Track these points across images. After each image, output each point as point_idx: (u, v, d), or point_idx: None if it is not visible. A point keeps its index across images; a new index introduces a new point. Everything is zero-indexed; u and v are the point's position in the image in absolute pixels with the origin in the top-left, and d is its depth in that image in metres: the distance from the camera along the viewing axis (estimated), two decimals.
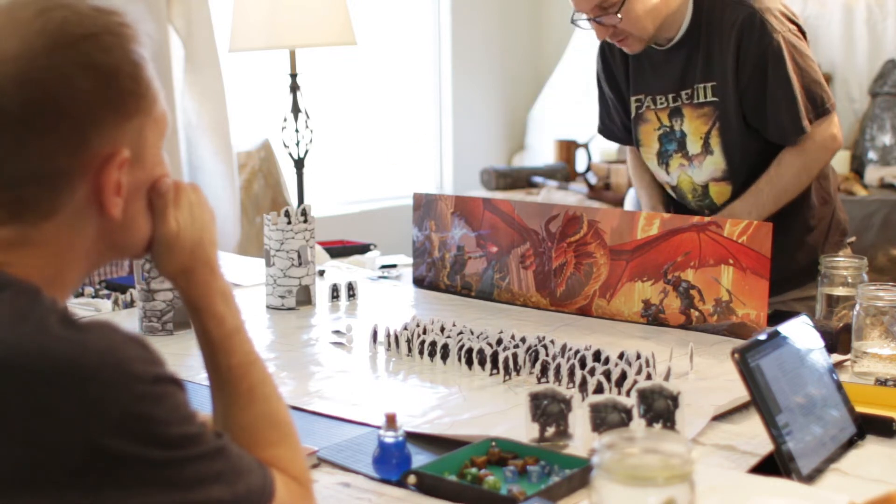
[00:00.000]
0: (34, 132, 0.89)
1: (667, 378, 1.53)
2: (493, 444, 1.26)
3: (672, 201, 2.23)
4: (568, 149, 5.30)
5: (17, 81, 0.88)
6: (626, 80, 2.16)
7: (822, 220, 2.10)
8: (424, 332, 1.75)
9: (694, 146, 2.06)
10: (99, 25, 0.92)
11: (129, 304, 2.12)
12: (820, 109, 1.98)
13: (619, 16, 1.93)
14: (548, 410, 1.29)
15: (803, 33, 2.02)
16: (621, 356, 1.59)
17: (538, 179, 5.09)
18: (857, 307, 1.59)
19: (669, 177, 2.15)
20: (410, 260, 2.41)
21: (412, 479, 1.18)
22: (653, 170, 2.21)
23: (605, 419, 1.26)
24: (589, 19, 1.98)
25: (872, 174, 4.63)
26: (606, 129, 2.32)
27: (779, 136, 2.00)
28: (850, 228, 2.20)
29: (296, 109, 3.42)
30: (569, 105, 5.28)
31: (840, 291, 1.76)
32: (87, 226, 0.94)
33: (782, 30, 1.95)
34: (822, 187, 2.10)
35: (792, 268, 2.01)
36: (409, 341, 1.74)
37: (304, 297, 2.14)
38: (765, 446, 1.24)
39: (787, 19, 1.98)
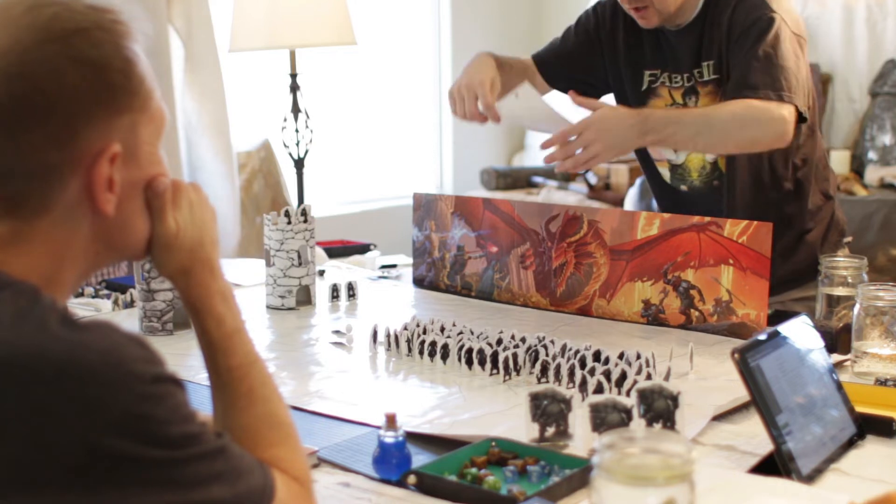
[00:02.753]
0: (23, 126, 0.89)
1: (667, 378, 1.53)
2: (493, 444, 1.26)
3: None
4: None
5: (7, 75, 0.88)
6: (625, 51, 2.12)
7: (821, 221, 2.09)
8: (424, 332, 1.75)
9: None
10: (90, 21, 0.92)
11: (129, 304, 2.12)
12: (779, 93, 1.86)
13: None
14: (548, 410, 1.29)
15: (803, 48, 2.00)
16: (621, 356, 1.59)
17: (538, 179, 5.09)
18: (857, 307, 1.59)
19: (676, 155, 2.12)
20: (410, 260, 2.41)
21: (412, 479, 1.18)
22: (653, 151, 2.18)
23: (605, 419, 1.26)
24: None
25: (872, 174, 4.64)
26: (548, 64, 2.24)
27: (732, 86, 1.91)
28: (848, 228, 2.19)
29: (296, 109, 3.42)
30: (569, 105, 5.26)
31: (840, 291, 1.76)
32: (82, 223, 0.94)
33: (784, 16, 1.91)
34: (821, 188, 2.10)
35: (792, 268, 2.00)
36: (409, 341, 1.74)
37: (304, 297, 2.14)
38: (765, 446, 1.24)
39: (797, 27, 1.96)
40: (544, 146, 1.89)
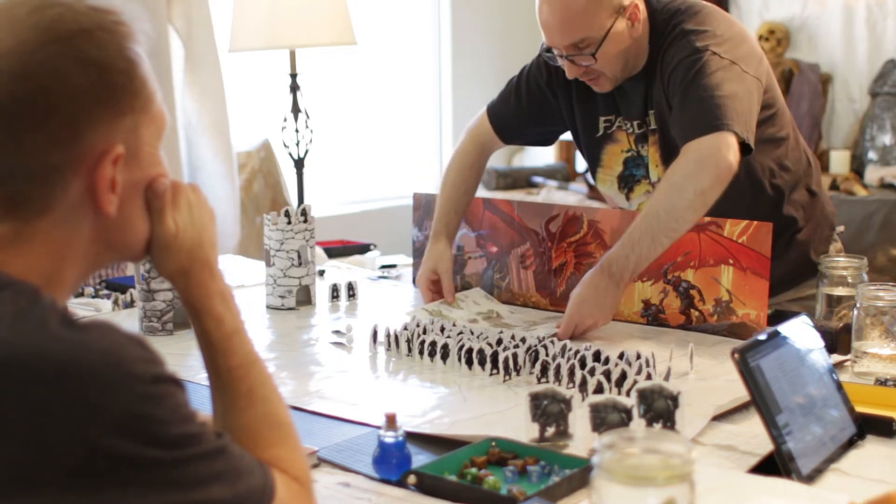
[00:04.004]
0: (27, 126, 0.89)
1: (667, 378, 1.53)
2: (493, 444, 1.26)
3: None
4: (568, 149, 5.30)
5: (11, 75, 0.89)
6: (578, 99, 2.08)
7: (810, 218, 2.05)
8: (424, 332, 1.75)
9: (653, 173, 2.02)
10: (93, 22, 0.92)
11: (129, 304, 2.12)
12: (711, 124, 1.76)
13: (594, 57, 1.88)
14: (548, 410, 1.29)
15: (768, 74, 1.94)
16: (621, 356, 1.59)
17: (538, 179, 5.09)
18: (857, 307, 1.59)
19: (629, 203, 2.09)
20: (410, 260, 2.41)
21: (412, 479, 1.18)
22: (607, 193, 2.15)
23: (605, 419, 1.26)
24: (561, 56, 1.92)
25: (872, 174, 4.63)
26: (506, 129, 2.20)
27: (675, 134, 1.87)
28: (837, 219, 2.13)
29: (296, 109, 3.42)
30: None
31: (840, 291, 1.76)
32: (83, 224, 0.94)
33: (714, 48, 1.84)
34: (805, 184, 2.05)
35: (785, 269, 1.95)
36: (409, 341, 1.74)
37: (304, 297, 2.14)
38: (765, 446, 1.24)
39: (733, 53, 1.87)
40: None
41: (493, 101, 2.23)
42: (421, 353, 1.71)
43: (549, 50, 1.97)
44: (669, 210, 1.75)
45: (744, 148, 1.79)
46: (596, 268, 1.80)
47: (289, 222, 2.10)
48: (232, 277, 2.41)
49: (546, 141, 2.29)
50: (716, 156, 1.74)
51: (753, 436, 1.32)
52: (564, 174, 5.19)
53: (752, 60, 1.89)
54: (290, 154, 3.46)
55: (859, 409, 1.35)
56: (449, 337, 1.72)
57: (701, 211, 1.77)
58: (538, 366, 1.59)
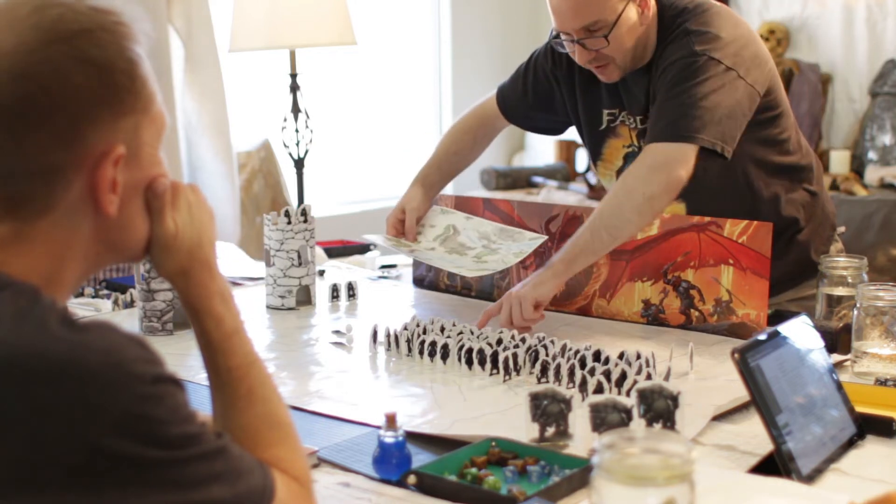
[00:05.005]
0: (28, 126, 0.89)
1: (667, 378, 1.53)
2: (493, 444, 1.26)
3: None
4: (568, 149, 5.30)
5: (12, 75, 0.89)
6: (582, 91, 2.08)
7: (811, 219, 2.04)
8: (424, 332, 1.75)
9: None
10: (94, 22, 0.92)
11: (129, 304, 2.12)
12: (679, 134, 1.79)
13: (606, 40, 1.87)
14: (548, 410, 1.29)
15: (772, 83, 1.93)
16: (621, 356, 1.59)
17: (538, 179, 5.10)
18: (857, 307, 1.59)
19: None
20: (410, 260, 2.41)
21: (412, 479, 1.18)
22: (607, 186, 2.15)
23: (605, 419, 1.26)
24: (572, 40, 1.91)
25: (872, 174, 4.63)
26: (511, 110, 2.22)
27: (648, 133, 1.87)
28: (838, 219, 2.13)
29: (296, 109, 3.42)
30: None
31: (840, 291, 1.76)
32: (84, 224, 0.94)
33: (713, 53, 1.83)
34: (805, 185, 2.05)
35: (785, 269, 1.95)
36: (409, 341, 1.74)
37: (304, 297, 2.14)
38: (765, 446, 1.24)
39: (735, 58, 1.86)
40: (480, 326, 1.83)
41: (504, 82, 2.26)
42: (421, 353, 1.72)
43: (557, 36, 1.97)
44: (615, 209, 1.81)
45: (721, 157, 1.81)
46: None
47: (289, 222, 2.10)
48: (231, 269, 2.42)
49: (553, 130, 2.29)
50: (670, 165, 1.79)
51: (753, 436, 1.32)
52: (564, 174, 5.19)
53: (755, 64, 1.88)
54: (290, 154, 3.46)
55: (859, 409, 1.35)
56: (449, 337, 1.72)
57: (648, 215, 1.82)
58: (538, 366, 1.59)
